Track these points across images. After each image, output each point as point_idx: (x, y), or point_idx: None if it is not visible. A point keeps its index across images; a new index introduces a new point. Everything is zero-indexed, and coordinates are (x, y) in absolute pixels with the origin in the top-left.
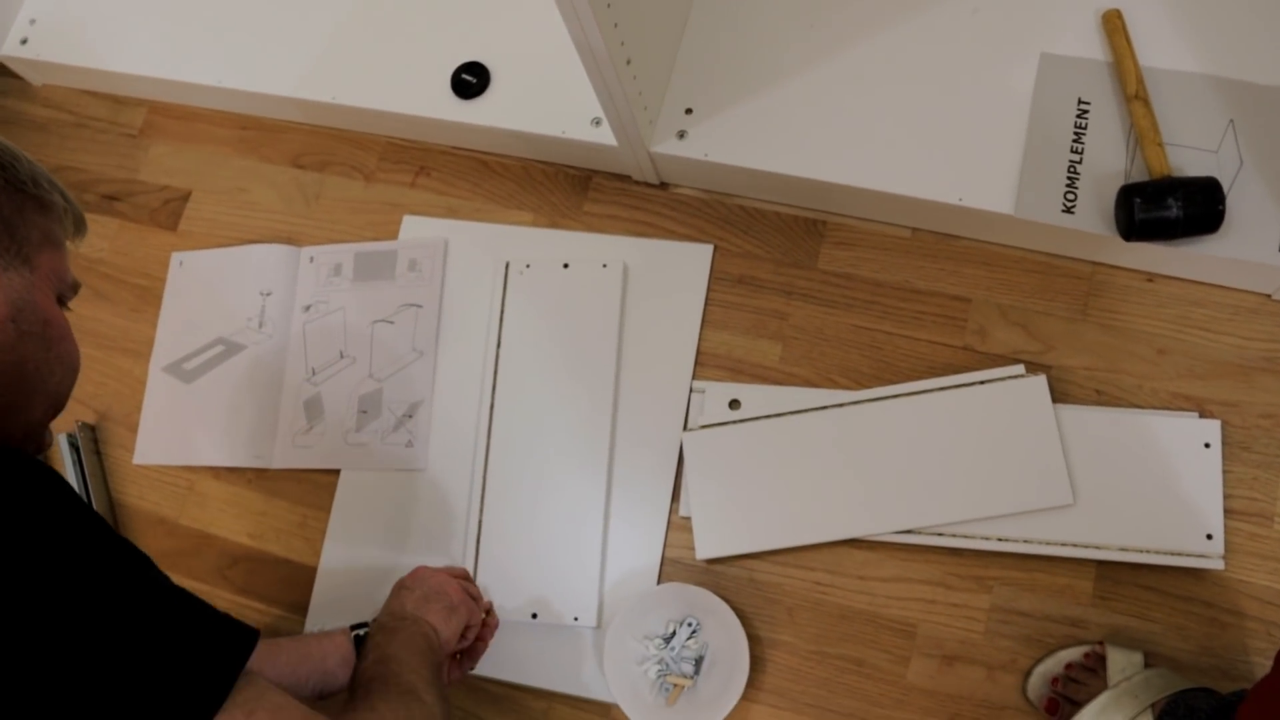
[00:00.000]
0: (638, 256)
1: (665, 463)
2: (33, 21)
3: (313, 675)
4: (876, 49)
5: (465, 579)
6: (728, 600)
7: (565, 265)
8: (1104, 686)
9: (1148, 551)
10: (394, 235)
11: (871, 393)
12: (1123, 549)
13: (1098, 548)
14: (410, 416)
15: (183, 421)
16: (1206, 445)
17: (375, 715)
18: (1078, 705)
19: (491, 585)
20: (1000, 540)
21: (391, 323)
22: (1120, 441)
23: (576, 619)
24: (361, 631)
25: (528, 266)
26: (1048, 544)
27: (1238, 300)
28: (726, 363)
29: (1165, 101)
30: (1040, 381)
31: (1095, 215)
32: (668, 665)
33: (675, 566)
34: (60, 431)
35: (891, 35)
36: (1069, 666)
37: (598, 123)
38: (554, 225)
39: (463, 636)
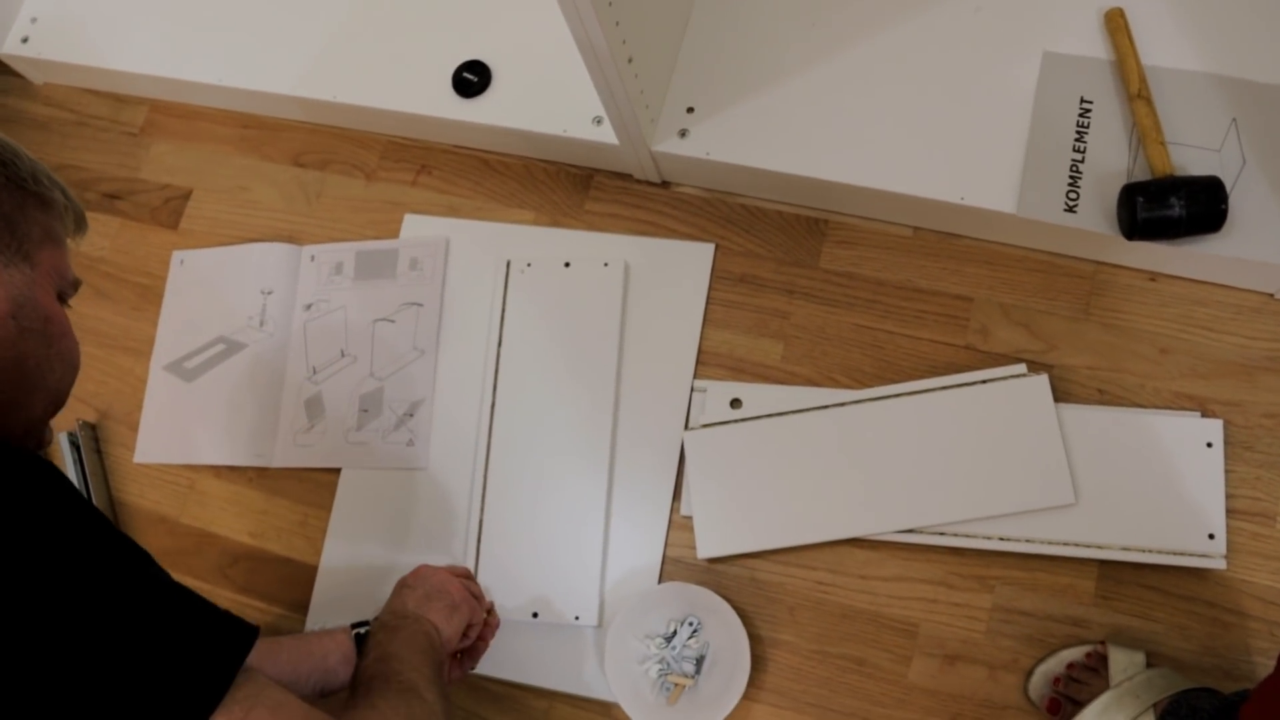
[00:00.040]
0: (639, 255)
1: (666, 462)
2: (34, 20)
3: (314, 673)
4: (878, 48)
5: (467, 578)
6: (729, 599)
7: (566, 264)
8: (1106, 686)
9: (1150, 551)
10: (395, 234)
11: (873, 392)
12: (1125, 549)
13: (1100, 547)
14: (411, 415)
15: (183, 420)
16: (1209, 445)
17: (376, 713)
18: (1079, 705)
19: (492, 584)
20: (1002, 540)
21: (392, 321)
22: (1122, 441)
23: (577, 618)
24: (363, 630)
25: (529, 265)
26: (1050, 543)
27: (1240, 299)
28: (728, 362)
29: (1168, 100)
30: (1042, 381)
31: (1098, 214)
32: (669, 664)
33: (676, 566)
34: (61, 430)
35: (893, 34)
36: (1071, 666)
37: (599, 121)
38: (555, 224)
39: (464, 635)
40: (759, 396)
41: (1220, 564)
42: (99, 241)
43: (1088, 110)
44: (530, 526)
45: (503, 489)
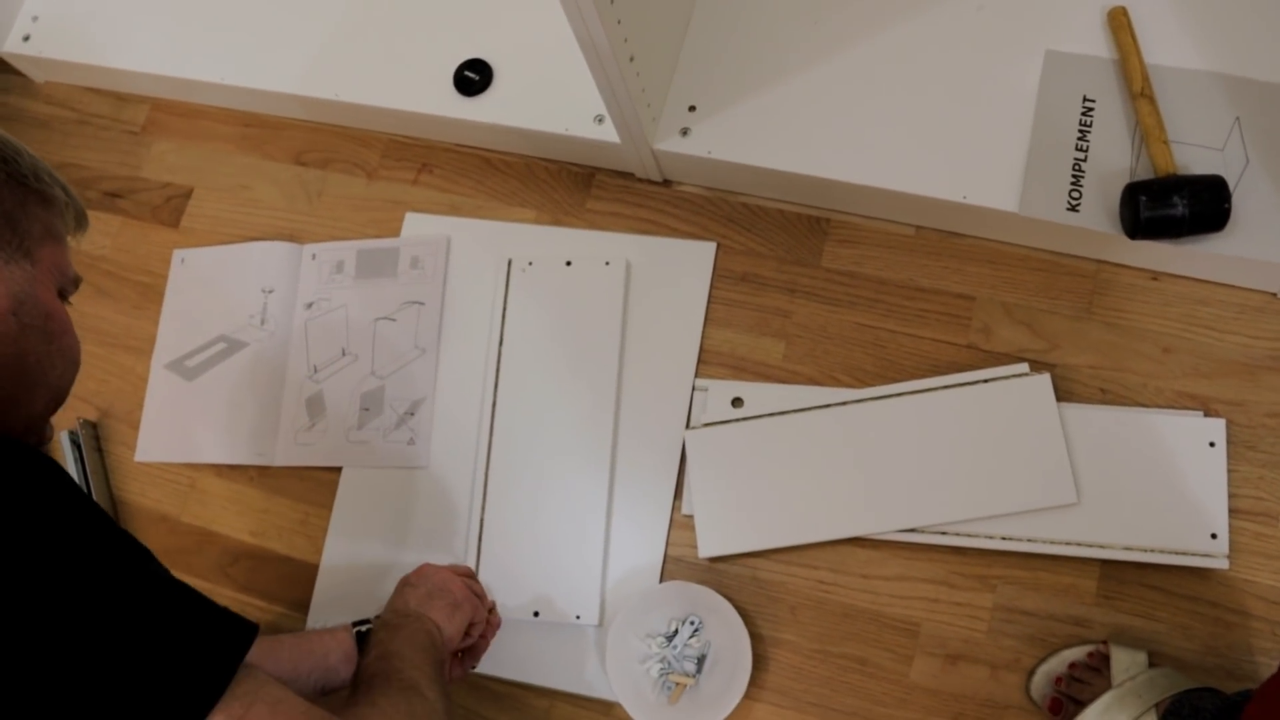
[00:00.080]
0: (640, 254)
1: (668, 461)
2: (35, 18)
3: (314, 671)
4: (880, 46)
5: (470, 577)
6: (730, 599)
7: (568, 263)
8: (1108, 686)
9: (1152, 551)
10: (396, 232)
11: (875, 391)
12: (1127, 548)
13: (1102, 547)
14: (412, 414)
15: (184, 419)
16: (1211, 444)
17: (377, 711)
18: (1081, 705)
19: (493, 583)
20: (1004, 539)
21: (393, 320)
22: (1125, 440)
23: (579, 617)
24: (364, 628)
25: (530, 264)
26: (1052, 543)
27: (1243, 299)
28: (729, 360)
29: (1171, 99)
30: (1044, 380)
31: (1100, 213)
32: (670, 664)
33: (678, 565)
34: (62, 428)
35: (895, 32)
36: (1073, 666)
37: (601, 120)
38: (557, 222)
39: (466, 634)
40: (760, 395)
41: (1223, 564)
42: (100, 240)
43: (1090, 109)
44: (531, 525)
45: (504, 488)
